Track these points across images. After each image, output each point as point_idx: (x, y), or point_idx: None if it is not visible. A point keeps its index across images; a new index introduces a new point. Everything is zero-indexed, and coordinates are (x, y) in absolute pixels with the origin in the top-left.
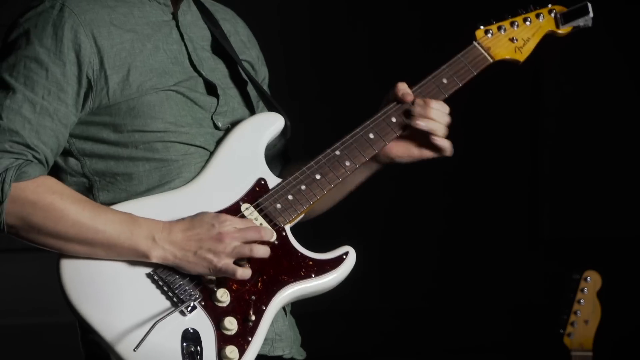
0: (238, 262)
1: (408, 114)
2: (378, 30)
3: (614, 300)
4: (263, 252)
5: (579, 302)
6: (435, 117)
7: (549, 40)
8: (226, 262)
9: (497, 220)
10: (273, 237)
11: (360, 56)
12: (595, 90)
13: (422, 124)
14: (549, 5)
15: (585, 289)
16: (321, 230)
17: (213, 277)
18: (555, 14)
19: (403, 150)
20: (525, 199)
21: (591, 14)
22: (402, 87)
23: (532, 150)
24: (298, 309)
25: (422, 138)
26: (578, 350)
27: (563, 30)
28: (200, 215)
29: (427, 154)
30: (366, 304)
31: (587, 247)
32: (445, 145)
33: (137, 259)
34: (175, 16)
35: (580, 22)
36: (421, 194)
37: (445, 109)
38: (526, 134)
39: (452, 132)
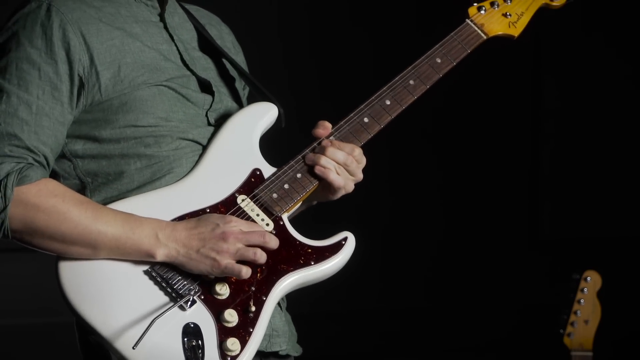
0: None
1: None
2: (375, 21)
3: (614, 300)
4: (265, 258)
5: (579, 302)
6: (330, 155)
7: (548, 38)
8: (230, 262)
9: (497, 220)
10: (276, 245)
11: (358, 49)
12: (595, 90)
13: (310, 157)
14: None
15: (585, 289)
16: (321, 232)
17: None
18: None
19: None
20: (525, 199)
21: None
22: (321, 127)
23: (532, 151)
24: (297, 309)
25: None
26: (578, 350)
27: (557, 2)
28: (206, 215)
29: (326, 193)
30: (366, 303)
31: (587, 247)
32: (333, 180)
33: (142, 259)
34: (162, 18)
35: None
36: (421, 194)
37: (351, 151)
38: (526, 135)
39: (453, 132)
